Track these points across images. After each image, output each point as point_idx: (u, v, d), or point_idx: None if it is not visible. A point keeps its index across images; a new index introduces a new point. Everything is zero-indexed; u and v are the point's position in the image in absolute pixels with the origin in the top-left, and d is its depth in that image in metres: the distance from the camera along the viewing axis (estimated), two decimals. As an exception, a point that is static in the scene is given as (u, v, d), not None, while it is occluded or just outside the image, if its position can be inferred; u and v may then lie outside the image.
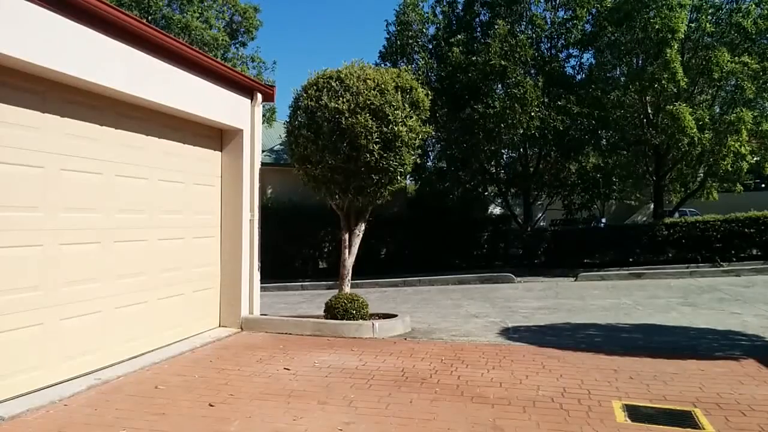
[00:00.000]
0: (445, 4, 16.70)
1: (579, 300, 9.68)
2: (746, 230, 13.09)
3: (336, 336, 6.71)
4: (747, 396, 4.30)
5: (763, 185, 21.33)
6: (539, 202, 17.92)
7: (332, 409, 4.12)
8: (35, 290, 4.49)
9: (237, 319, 7.14)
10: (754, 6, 13.11)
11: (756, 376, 4.84)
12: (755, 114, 12.96)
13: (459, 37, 14.92)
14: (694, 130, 12.19)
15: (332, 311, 7.14)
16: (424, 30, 16.37)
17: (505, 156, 16.68)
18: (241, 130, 7.25)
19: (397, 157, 7.02)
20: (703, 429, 3.68)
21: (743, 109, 12.71)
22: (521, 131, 13.96)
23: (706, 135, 12.44)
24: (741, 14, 13.08)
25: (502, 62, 13.86)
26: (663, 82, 12.55)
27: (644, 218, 19.81)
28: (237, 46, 18.88)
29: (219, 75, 6.73)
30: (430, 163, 16.85)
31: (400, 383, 4.76)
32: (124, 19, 5.11)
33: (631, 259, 14.00)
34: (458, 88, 14.86)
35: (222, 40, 17.27)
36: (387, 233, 14.82)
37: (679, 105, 12.36)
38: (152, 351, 5.75)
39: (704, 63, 13.15)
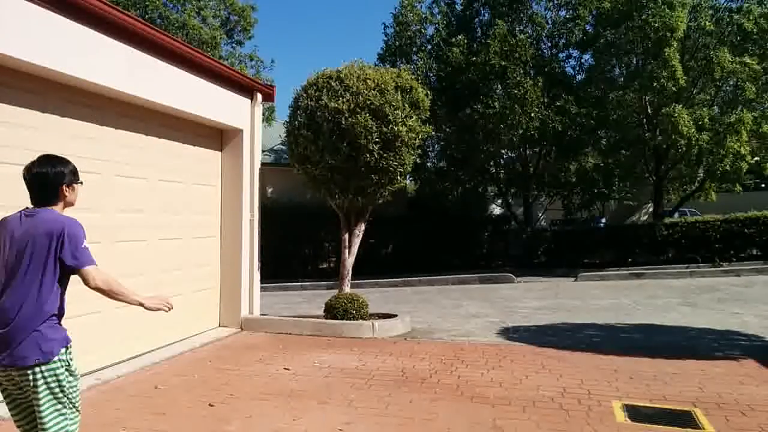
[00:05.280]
0: (443, 4, 16.70)
1: (579, 300, 9.68)
2: (746, 230, 13.09)
3: (336, 336, 6.71)
4: (747, 396, 4.30)
5: (763, 185, 21.31)
6: (539, 202, 17.93)
7: (332, 409, 4.12)
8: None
9: (237, 318, 7.14)
10: (755, 6, 13.10)
11: (756, 376, 4.84)
12: (755, 115, 12.96)
13: (459, 37, 14.92)
14: (692, 130, 12.20)
15: (332, 311, 7.14)
16: (422, 30, 16.36)
17: (504, 156, 16.69)
18: (241, 130, 7.25)
19: (397, 157, 7.02)
20: (703, 429, 3.68)
21: (743, 111, 12.73)
22: (521, 131, 13.96)
23: (704, 136, 12.45)
24: (742, 13, 13.09)
25: (502, 62, 13.86)
26: (662, 81, 12.56)
27: (644, 218, 19.80)
28: (234, 45, 18.86)
29: (219, 75, 6.73)
30: (430, 163, 16.84)
31: (400, 383, 4.76)
32: (125, 18, 5.11)
33: (630, 259, 14.00)
34: (458, 89, 14.86)
35: (220, 38, 17.25)
36: (387, 233, 14.81)
37: (676, 107, 12.37)
38: (152, 351, 5.75)
39: (705, 62, 13.16)
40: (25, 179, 2.72)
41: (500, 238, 16.53)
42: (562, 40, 15.77)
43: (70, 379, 2.58)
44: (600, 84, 14.73)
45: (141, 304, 2.70)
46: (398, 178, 7.25)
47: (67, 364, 2.57)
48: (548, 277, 13.28)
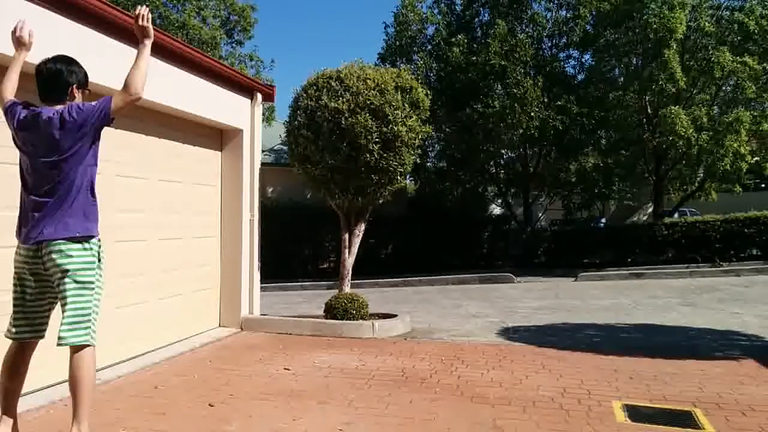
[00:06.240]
0: (443, 4, 16.71)
1: (579, 300, 9.68)
2: (746, 230, 13.09)
3: (336, 336, 6.71)
4: (747, 396, 4.30)
5: (763, 185, 21.31)
6: (539, 202, 17.93)
7: (332, 409, 4.12)
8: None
9: (237, 318, 7.14)
10: (757, 5, 13.09)
11: (756, 376, 4.84)
12: (755, 114, 12.96)
13: (459, 37, 14.93)
14: (691, 131, 12.20)
15: (332, 311, 7.14)
16: (423, 30, 16.37)
17: (504, 156, 16.70)
18: (241, 130, 7.25)
19: (397, 157, 7.02)
20: (703, 429, 3.67)
21: (742, 110, 12.72)
22: (521, 131, 13.97)
23: (703, 136, 12.45)
24: (744, 13, 13.07)
25: (502, 62, 13.86)
26: (661, 82, 12.57)
27: (644, 218, 19.81)
28: (234, 45, 18.89)
29: (219, 75, 6.73)
30: (430, 163, 16.85)
31: (400, 383, 4.76)
32: (125, 18, 5.10)
33: (630, 259, 14.01)
34: (458, 88, 14.86)
35: (219, 38, 17.26)
36: (387, 233, 14.82)
37: (673, 108, 12.37)
38: (152, 351, 5.74)
39: (705, 62, 13.16)
40: (40, 72, 2.77)
41: (500, 238, 16.54)
42: (563, 40, 15.77)
43: (94, 265, 2.75)
44: (600, 84, 14.74)
45: (149, 43, 2.95)
46: (398, 178, 7.25)
47: (93, 251, 2.73)
48: (548, 277, 13.28)
